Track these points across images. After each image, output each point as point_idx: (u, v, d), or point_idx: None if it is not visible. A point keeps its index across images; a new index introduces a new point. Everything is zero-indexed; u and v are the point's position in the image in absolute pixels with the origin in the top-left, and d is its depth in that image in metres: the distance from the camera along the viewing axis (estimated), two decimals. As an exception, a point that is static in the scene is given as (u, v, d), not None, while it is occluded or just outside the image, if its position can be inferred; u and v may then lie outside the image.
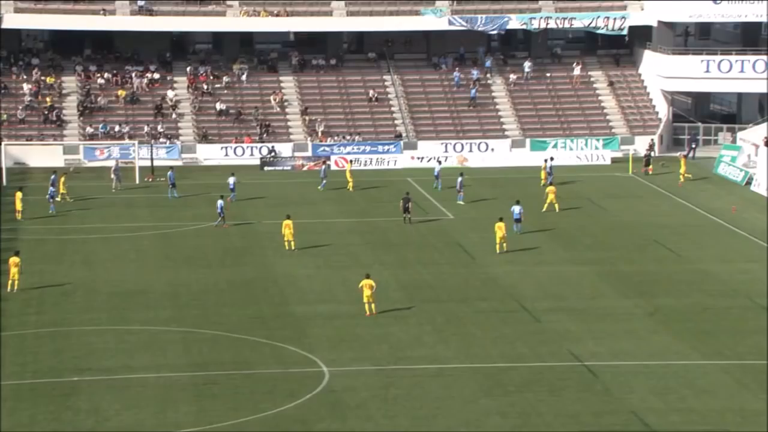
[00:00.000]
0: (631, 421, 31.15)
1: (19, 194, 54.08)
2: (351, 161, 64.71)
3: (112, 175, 61.25)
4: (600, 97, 74.96)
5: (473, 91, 73.34)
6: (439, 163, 63.66)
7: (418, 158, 68.73)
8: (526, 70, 75.28)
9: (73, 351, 35.80)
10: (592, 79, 75.96)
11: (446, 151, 69.42)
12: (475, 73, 74.83)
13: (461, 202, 57.22)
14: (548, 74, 75.72)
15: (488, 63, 75.76)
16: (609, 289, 43.40)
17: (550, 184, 57.39)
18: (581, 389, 33.35)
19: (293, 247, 48.18)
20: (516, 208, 51.18)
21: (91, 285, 43.18)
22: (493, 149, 69.84)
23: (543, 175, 60.41)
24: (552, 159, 63.23)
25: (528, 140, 70.73)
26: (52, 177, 57.69)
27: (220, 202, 52.93)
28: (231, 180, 58.71)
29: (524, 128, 72.36)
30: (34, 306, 40.39)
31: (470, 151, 69.42)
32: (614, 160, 68.56)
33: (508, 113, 73.37)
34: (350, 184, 60.73)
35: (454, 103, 73.85)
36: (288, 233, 48.46)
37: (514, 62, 76.54)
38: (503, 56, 77.08)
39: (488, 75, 75.35)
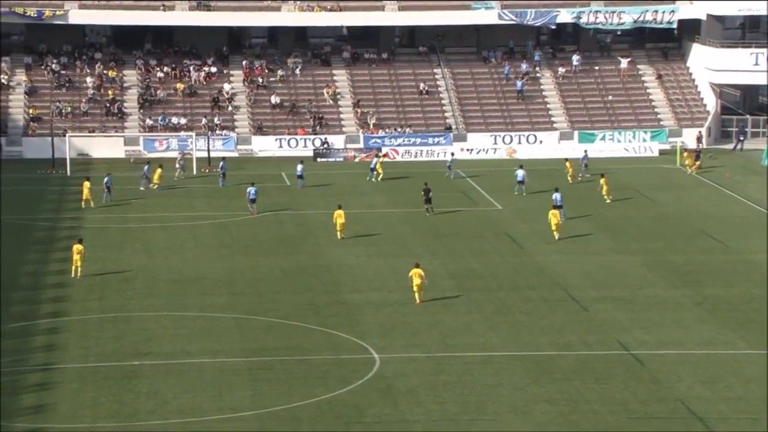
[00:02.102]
0: (679, 410, 30.83)
1: (87, 184, 54.71)
2: (383, 154, 64.70)
3: (177, 165, 61.78)
4: (648, 90, 74.16)
5: (519, 83, 72.92)
6: (452, 155, 63.82)
7: (468, 150, 68.54)
8: (575, 63, 74.69)
9: (133, 336, 36.18)
10: (640, 72, 75.17)
11: (495, 143, 69.15)
12: (524, 66, 74.38)
13: (518, 194, 56.83)
14: (596, 67, 75.06)
15: (537, 56, 75.26)
16: (656, 279, 42.97)
17: (602, 175, 57.01)
18: (628, 377, 33.06)
19: (343, 236, 48.24)
20: (557, 195, 51.22)
21: (151, 272, 43.61)
22: (541, 141, 69.45)
23: (569, 169, 59.68)
24: (586, 152, 62.92)
25: (576, 132, 70.20)
26: (146, 168, 58.27)
27: (251, 188, 53.06)
28: (299, 167, 59.14)
29: (572, 120, 71.83)
30: (97, 292, 40.87)
31: (519, 143, 69.09)
32: (662, 152, 67.83)
33: (556, 106, 72.86)
34: (381, 175, 61.01)
35: (503, 95, 73.49)
36: (339, 223, 48.56)
37: (563, 56, 75.97)
38: (552, 50, 76.51)
39: (537, 68, 74.86)
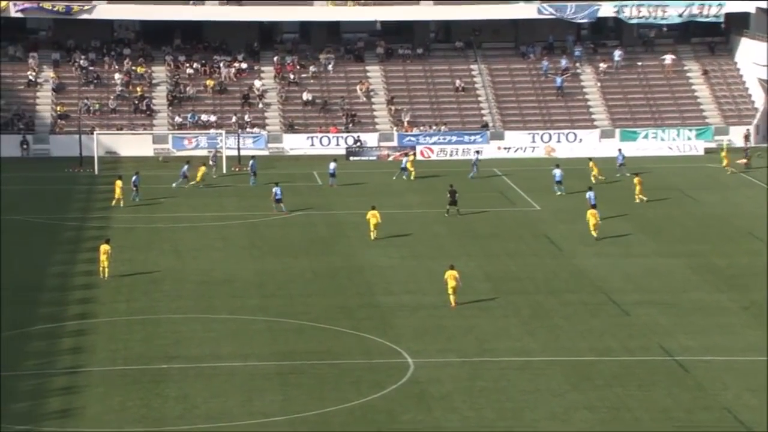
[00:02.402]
0: (725, 418, 30.55)
1: (119, 182, 55.11)
2: (414, 153, 64.62)
3: (210, 163, 62.10)
4: (693, 86, 73.57)
5: (559, 80, 72.59)
6: (477, 152, 63.70)
7: (505, 148, 68.31)
8: (617, 58, 74.26)
9: (162, 339, 36.38)
10: (685, 67, 74.60)
11: (533, 141, 68.89)
12: (563, 62, 74.04)
13: (560, 194, 56.70)
14: (639, 63, 74.59)
15: (577, 52, 74.92)
16: (701, 282, 42.61)
17: (636, 175, 56.74)
18: (672, 384, 32.82)
19: (376, 236, 48.34)
20: (590, 194, 51.23)
21: (180, 273, 43.84)
22: (581, 140, 69.10)
23: (595, 169, 59.24)
24: (620, 150, 62.56)
25: (618, 130, 69.79)
26: (185, 166, 58.71)
27: (276, 188, 53.25)
28: (332, 165, 59.33)
29: (614, 118, 71.42)
30: (125, 293, 41.15)
31: (558, 141, 68.79)
32: (707, 151, 67.26)
33: (597, 103, 72.47)
34: (412, 174, 61.05)
35: (542, 92, 73.19)
36: (372, 223, 48.64)
37: (604, 51, 75.55)
38: (593, 45, 76.12)
39: (577, 64, 74.49)
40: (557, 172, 57.32)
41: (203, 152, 66.15)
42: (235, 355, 35.09)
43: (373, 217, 48.75)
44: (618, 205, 54.40)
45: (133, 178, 56.04)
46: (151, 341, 36.17)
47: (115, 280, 42.51)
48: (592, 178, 58.82)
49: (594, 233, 48.19)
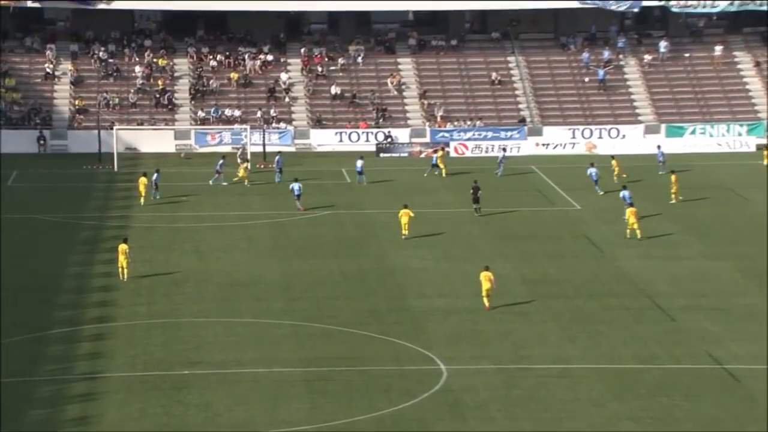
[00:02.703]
0: (776, 431, 30.28)
1: (143, 180, 55.41)
2: (443, 148, 64.47)
3: (238, 160, 62.38)
4: (744, 79, 73.02)
5: (601, 72, 72.27)
6: (504, 150, 63.60)
7: (544, 145, 68.09)
8: (662, 50, 73.85)
9: (183, 343, 36.53)
10: (736, 59, 74.05)
11: (573, 137, 68.65)
12: (606, 53, 73.73)
13: (602, 193, 56.50)
14: (687, 54, 74.12)
15: (621, 43, 74.57)
16: (751, 286, 42.27)
17: (672, 172, 56.46)
18: (721, 394, 32.56)
19: (406, 234, 48.45)
20: (625, 193, 51.27)
21: (202, 275, 43.99)
22: (624, 136, 68.79)
23: (617, 168, 58.75)
24: (660, 147, 62.27)
25: (663, 126, 69.41)
26: (220, 162, 59.14)
27: (294, 185, 53.52)
28: (359, 163, 59.58)
29: (659, 113, 71.05)
30: (145, 296, 41.34)
31: (600, 137, 68.51)
32: (759, 147, 66.72)
33: (641, 97, 72.12)
34: (444, 171, 61.15)
35: (582, 86, 72.93)
36: (404, 222, 48.70)
37: (649, 42, 75.16)
38: (637, 35, 75.74)
39: (620, 56, 74.16)
40: (593, 171, 57.15)
41: (227, 148, 66.40)
42: (260, 360, 35.17)
43: (405, 215, 48.86)
44: (661, 205, 54.06)
45: (154, 176, 56.31)
46: (172, 346, 36.31)
47: (135, 282, 42.71)
48: (614, 178, 58.48)
49: (637, 233, 48.00)
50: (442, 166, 61.73)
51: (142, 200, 54.83)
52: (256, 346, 36.45)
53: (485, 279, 39.51)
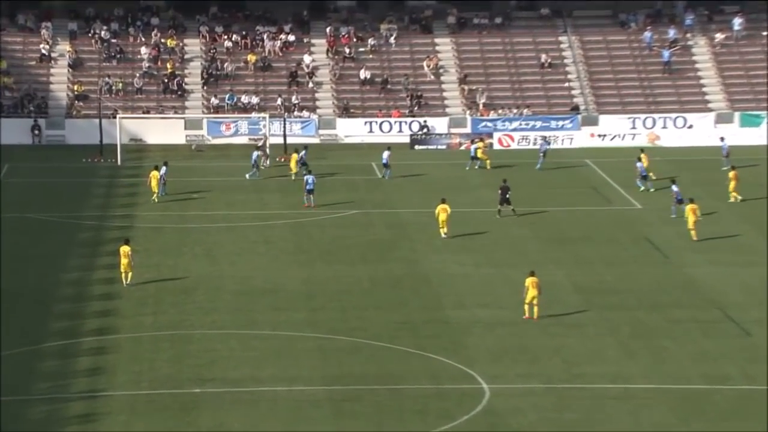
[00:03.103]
0: None
1: (155, 174, 55.62)
2: (482, 139, 64.26)
3: (259, 152, 62.53)
4: (832, 61, 72.55)
5: (666, 54, 72.00)
6: (548, 143, 63.69)
7: (599, 136, 67.85)
8: (737, 28, 73.48)
9: (194, 358, 36.67)
10: (822, 38, 73.56)
11: (634, 126, 68.44)
12: (671, 32, 73.45)
13: (642, 189, 56.42)
14: (764, 33, 73.64)
15: (689, 20, 74.25)
16: (837, 297, 41.93)
17: (732, 168, 56.18)
18: (801, 419, 32.32)
19: (446, 233, 48.51)
20: (675, 188, 51.53)
21: (215, 282, 44.15)
22: (691, 125, 68.53)
23: (645, 162, 58.21)
24: (723, 139, 61.92)
25: (737, 114, 69.04)
26: (255, 154, 59.61)
27: (309, 177, 54.04)
28: (385, 154, 59.67)
29: (732, 99, 70.69)
30: (151, 305, 41.53)
31: (664, 127, 68.30)
32: None
33: (712, 81, 71.81)
34: (488, 163, 61.33)
35: (644, 69, 72.71)
36: (441, 219, 48.73)
37: (721, 19, 74.77)
38: (707, 12, 75.35)
39: (688, 35, 73.84)
40: (641, 165, 56.94)
41: (243, 139, 66.59)
42: (279, 378, 35.24)
43: (443, 211, 48.96)
44: (728, 203, 53.68)
45: (162, 170, 56.53)
46: (182, 361, 36.45)
47: (140, 289, 42.89)
48: (637, 176, 58.21)
49: (692, 233, 47.96)
50: (484, 157, 61.67)
51: (155, 197, 55.06)
52: (275, 361, 36.53)
53: (532, 285, 39.43)
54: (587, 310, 40.90)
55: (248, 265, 46.24)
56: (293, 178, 59.27)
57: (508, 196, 52.43)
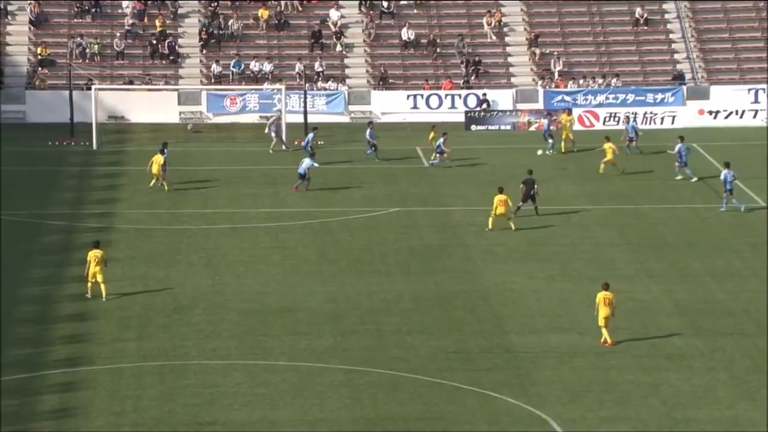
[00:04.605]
0: None
1: (158, 158, 56.04)
2: (553, 116, 64.74)
3: (269, 131, 62.89)
4: None
5: (798, 8, 71.78)
6: (630, 119, 64.37)
7: (710, 113, 67.75)
8: None
9: (189, 396, 36.92)
10: None
11: (756, 100, 68.23)
12: (802, -21, 73.20)
13: (680, 177, 57.15)
14: None
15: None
16: None
17: None
18: None
19: (513, 227, 49.06)
20: (726, 173, 52.52)
21: (217, 298, 44.40)
22: (829, 99, 68.35)
23: (608, 153, 58.29)
24: None
25: None
26: (310, 135, 60.23)
27: (306, 159, 55.68)
28: (368, 132, 61.31)
29: None
30: (135, 328, 41.78)
31: (793, 101, 68.11)
32: None
33: None
34: (563, 145, 62.52)
35: None
36: (500, 212, 49.51)
37: None
38: None
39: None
40: (681, 146, 57.23)
41: (253, 117, 66.93)
42: (299, 420, 35.47)
43: (501, 204, 49.53)
44: None
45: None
46: (175, 400, 36.73)
47: (121, 308, 43.23)
48: (602, 166, 58.41)
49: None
50: (570, 136, 61.71)
51: (165, 186, 55.43)
52: (293, 400, 36.77)
53: (603, 302, 39.58)
54: (693, 336, 40.90)
55: (259, 278, 46.50)
56: (445, 162, 59.79)
57: (533, 192, 52.49)
